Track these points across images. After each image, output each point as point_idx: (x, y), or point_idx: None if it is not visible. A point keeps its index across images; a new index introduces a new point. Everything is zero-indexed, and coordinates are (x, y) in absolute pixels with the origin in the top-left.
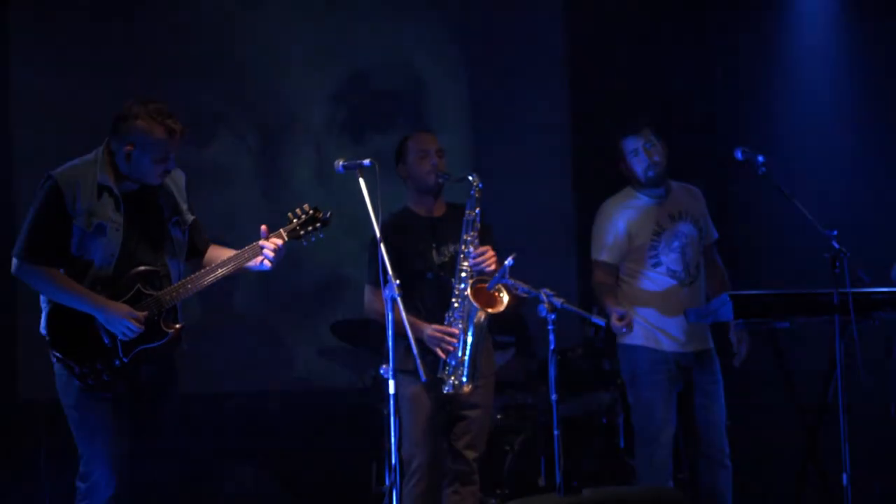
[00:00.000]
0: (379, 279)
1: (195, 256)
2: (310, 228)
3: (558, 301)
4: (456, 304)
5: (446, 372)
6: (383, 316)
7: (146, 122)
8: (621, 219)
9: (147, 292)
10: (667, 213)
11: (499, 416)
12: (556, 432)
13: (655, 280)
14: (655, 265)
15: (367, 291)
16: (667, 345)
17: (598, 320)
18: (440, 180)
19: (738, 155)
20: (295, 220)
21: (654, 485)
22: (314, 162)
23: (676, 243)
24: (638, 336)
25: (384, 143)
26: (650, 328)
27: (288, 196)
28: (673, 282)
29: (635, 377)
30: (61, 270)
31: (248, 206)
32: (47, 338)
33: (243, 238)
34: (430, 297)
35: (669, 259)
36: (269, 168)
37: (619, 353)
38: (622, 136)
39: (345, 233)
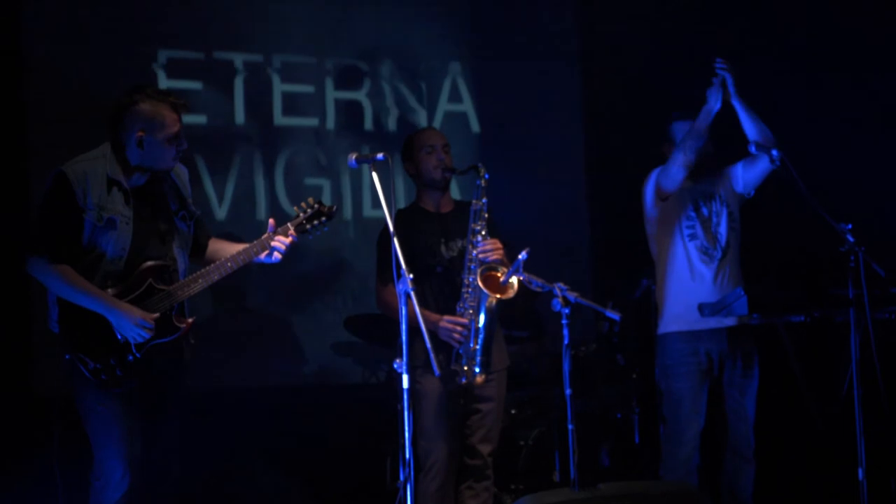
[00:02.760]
0: (388, 275)
1: (198, 251)
2: (316, 222)
3: (572, 295)
4: (466, 295)
5: (460, 363)
6: (394, 310)
7: (150, 104)
8: None
9: (158, 287)
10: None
11: (513, 412)
12: (570, 427)
13: None
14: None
15: (379, 288)
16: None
17: (613, 314)
18: (447, 175)
19: (752, 149)
20: (301, 214)
21: (674, 478)
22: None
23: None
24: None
25: (394, 140)
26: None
27: (294, 186)
28: None
29: (667, 368)
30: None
31: (245, 205)
32: (59, 334)
33: (249, 226)
34: (441, 290)
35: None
36: (263, 166)
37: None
38: (676, 120)
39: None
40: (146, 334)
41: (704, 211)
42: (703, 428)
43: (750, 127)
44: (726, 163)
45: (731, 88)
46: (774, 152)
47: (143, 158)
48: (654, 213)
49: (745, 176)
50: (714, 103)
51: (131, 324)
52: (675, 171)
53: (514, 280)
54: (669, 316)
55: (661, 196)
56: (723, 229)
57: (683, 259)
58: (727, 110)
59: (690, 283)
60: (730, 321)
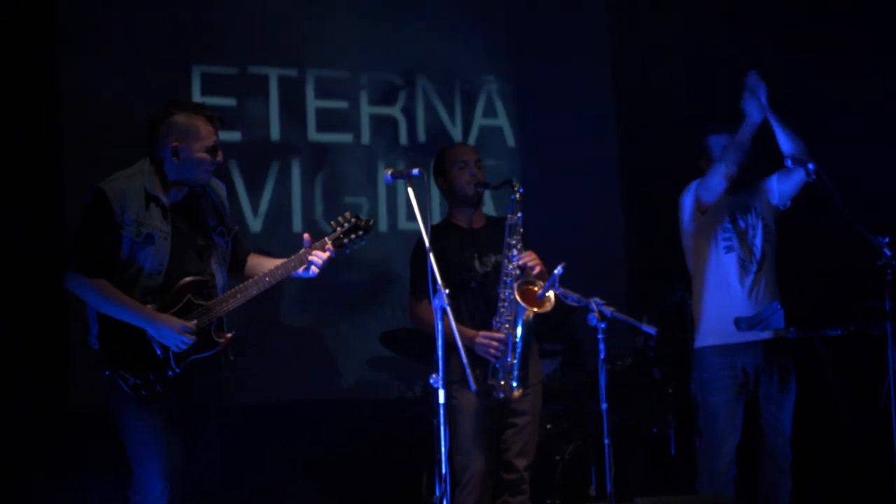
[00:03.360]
0: (422, 290)
1: (236, 266)
2: (353, 236)
3: (608, 310)
4: (502, 309)
5: (497, 378)
6: (429, 326)
7: (184, 115)
8: None
9: (197, 303)
10: None
11: (549, 426)
12: (606, 441)
13: None
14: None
15: (413, 304)
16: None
17: (649, 329)
18: (479, 190)
19: (789, 163)
20: (339, 229)
21: (711, 492)
22: (363, 166)
23: None
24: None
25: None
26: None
27: (330, 201)
28: None
29: (703, 382)
30: (111, 282)
31: (281, 220)
32: (99, 351)
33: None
34: (476, 305)
35: None
36: (298, 181)
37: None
38: (711, 134)
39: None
40: (189, 340)
41: (741, 223)
42: (739, 441)
43: (784, 140)
44: (761, 175)
45: (763, 101)
46: (811, 165)
47: (180, 171)
48: (691, 226)
49: (781, 188)
50: (756, 116)
51: (173, 332)
52: (716, 183)
53: (550, 294)
54: (705, 330)
55: (701, 209)
56: (759, 242)
57: (719, 272)
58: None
59: (727, 296)
60: (766, 335)
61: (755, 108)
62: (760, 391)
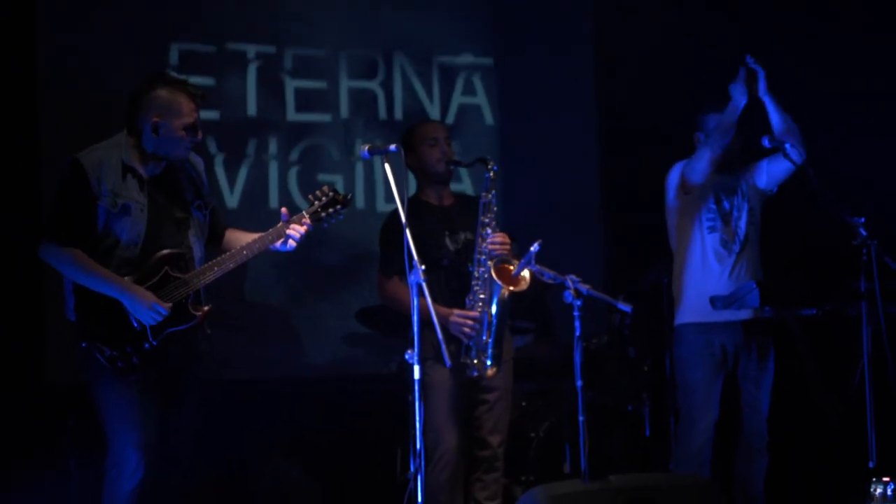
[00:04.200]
0: (392, 265)
1: (214, 241)
2: (331, 210)
3: (584, 287)
4: (476, 288)
5: (470, 356)
6: (399, 304)
7: (167, 90)
8: None
9: (174, 275)
10: None
11: (523, 404)
12: (581, 419)
13: None
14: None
15: (382, 280)
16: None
17: (625, 306)
18: (451, 167)
19: (766, 143)
20: (316, 203)
21: (685, 471)
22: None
23: None
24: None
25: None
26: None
27: (294, 186)
28: None
29: (682, 359)
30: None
31: (257, 197)
32: (76, 323)
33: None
34: (447, 283)
35: None
36: (274, 159)
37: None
38: (711, 112)
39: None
40: (163, 311)
41: (726, 205)
42: (716, 420)
43: (778, 124)
44: (752, 158)
45: (762, 84)
46: (787, 145)
47: (158, 146)
48: (675, 204)
49: (770, 171)
50: (740, 99)
51: (145, 306)
52: (701, 166)
53: (525, 273)
54: (685, 307)
55: (686, 189)
56: (743, 224)
57: (701, 251)
58: (756, 105)
59: (706, 275)
60: (744, 314)
61: (739, 90)
62: (739, 370)
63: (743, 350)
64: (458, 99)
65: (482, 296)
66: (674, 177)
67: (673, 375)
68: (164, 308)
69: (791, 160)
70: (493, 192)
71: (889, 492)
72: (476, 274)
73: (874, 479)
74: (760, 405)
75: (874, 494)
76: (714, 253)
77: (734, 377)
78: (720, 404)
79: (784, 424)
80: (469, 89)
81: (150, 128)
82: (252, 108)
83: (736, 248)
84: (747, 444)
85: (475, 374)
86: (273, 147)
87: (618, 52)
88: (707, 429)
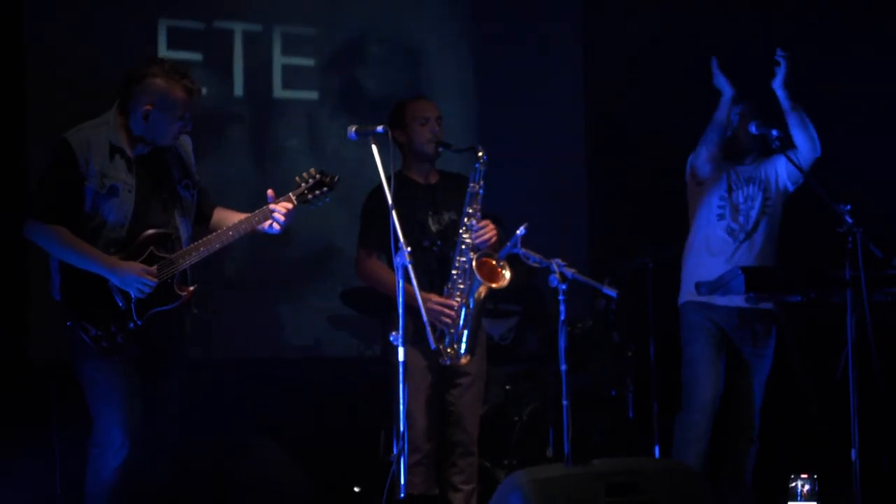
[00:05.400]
0: (374, 243)
1: (202, 220)
2: (317, 192)
3: (569, 271)
4: (455, 276)
5: (444, 344)
6: (376, 282)
7: (165, 80)
8: None
9: (160, 255)
10: None
11: (508, 387)
12: (564, 402)
13: None
14: None
15: (361, 255)
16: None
17: (610, 291)
18: (440, 149)
19: (753, 129)
20: (303, 185)
21: (682, 447)
22: (306, 131)
23: None
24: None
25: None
26: None
27: (280, 166)
28: None
29: (684, 338)
30: (74, 232)
31: (241, 176)
32: (61, 302)
33: (237, 207)
34: (427, 266)
35: None
36: (261, 137)
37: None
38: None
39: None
40: (151, 283)
41: (740, 194)
42: (717, 396)
43: (789, 117)
44: (778, 150)
45: (781, 76)
46: (774, 132)
47: (146, 131)
48: (692, 189)
49: (788, 167)
50: (728, 92)
51: (134, 276)
52: (699, 163)
53: (506, 272)
54: (687, 288)
55: (697, 181)
56: (754, 213)
57: (706, 236)
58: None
59: (708, 259)
60: (738, 301)
61: (724, 84)
62: (733, 356)
63: (738, 336)
64: (442, 81)
65: (461, 286)
66: (688, 168)
67: (657, 360)
68: (152, 279)
69: (793, 163)
70: (482, 183)
71: (809, 487)
72: (457, 263)
73: (793, 476)
74: (753, 394)
75: (795, 491)
76: (718, 240)
77: (730, 362)
78: (722, 387)
79: (768, 412)
80: (454, 72)
81: (141, 114)
82: (239, 87)
83: (741, 236)
84: (738, 431)
85: (448, 362)
86: (256, 125)
87: (606, 35)
88: (705, 406)
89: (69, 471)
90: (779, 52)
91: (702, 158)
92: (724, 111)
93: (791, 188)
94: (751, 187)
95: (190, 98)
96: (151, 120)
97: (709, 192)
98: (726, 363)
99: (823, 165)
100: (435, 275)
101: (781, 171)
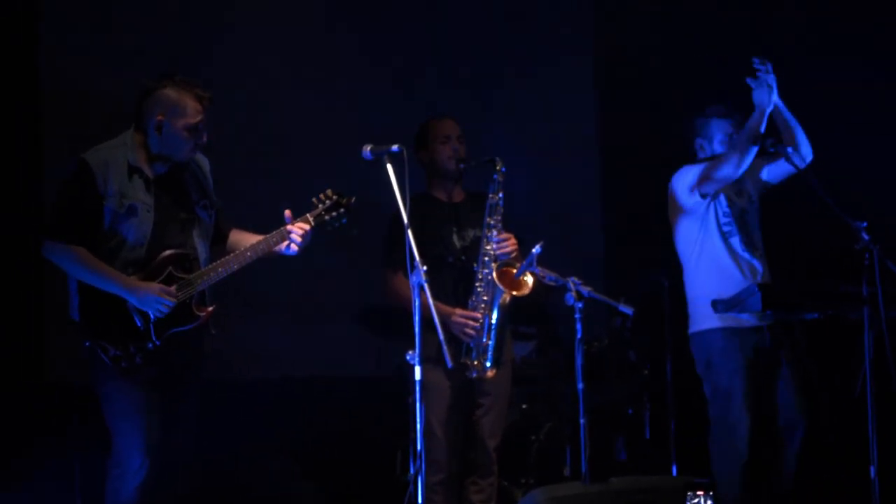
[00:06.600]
0: (400, 263)
1: (219, 241)
2: (334, 213)
3: (586, 290)
4: (479, 289)
5: (470, 357)
6: (404, 300)
7: (174, 90)
8: None
9: (179, 275)
10: None
11: (524, 406)
12: (581, 421)
13: None
14: None
15: (388, 275)
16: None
17: (626, 309)
18: (461, 166)
19: (769, 146)
20: (320, 206)
21: (728, 479)
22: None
23: None
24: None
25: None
26: None
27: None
28: None
29: (712, 365)
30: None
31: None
32: (79, 322)
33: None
34: (452, 281)
35: None
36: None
37: (691, 344)
38: (713, 116)
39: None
40: (170, 303)
41: (738, 207)
42: (754, 425)
43: (785, 128)
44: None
45: (775, 86)
46: (789, 150)
47: (162, 146)
48: (686, 210)
49: (771, 170)
50: (768, 105)
51: (153, 297)
52: (728, 173)
53: (528, 278)
54: (707, 312)
55: (703, 195)
56: (756, 225)
57: (719, 255)
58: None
59: (727, 278)
60: (767, 320)
61: (766, 95)
62: (771, 371)
63: (774, 352)
64: (454, 94)
65: (485, 298)
66: (682, 181)
67: (673, 379)
68: (171, 300)
69: (794, 165)
70: (501, 193)
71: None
72: (480, 275)
73: (690, 494)
74: (793, 397)
75: None
76: (735, 256)
77: (767, 379)
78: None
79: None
80: (466, 84)
81: (154, 126)
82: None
83: (749, 249)
84: (790, 441)
85: (475, 374)
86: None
87: (618, 52)
88: (746, 435)
89: (89, 491)
90: (757, 64)
91: (732, 168)
92: (761, 123)
93: (770, 185)
94: (745, 198)
95: (201, 106)
96: (165, 132)
97: (710, 207)
98: (766, 379)
99: (823, 165)
100: (458, 291)
101: (762, 174)
